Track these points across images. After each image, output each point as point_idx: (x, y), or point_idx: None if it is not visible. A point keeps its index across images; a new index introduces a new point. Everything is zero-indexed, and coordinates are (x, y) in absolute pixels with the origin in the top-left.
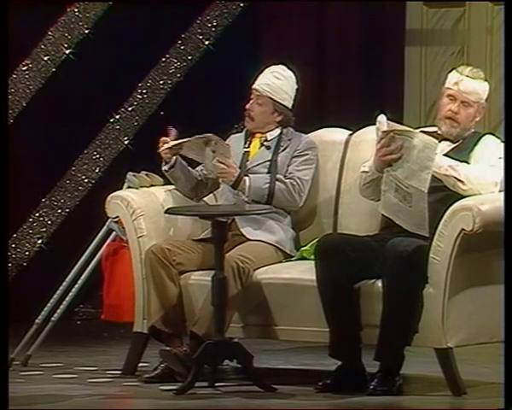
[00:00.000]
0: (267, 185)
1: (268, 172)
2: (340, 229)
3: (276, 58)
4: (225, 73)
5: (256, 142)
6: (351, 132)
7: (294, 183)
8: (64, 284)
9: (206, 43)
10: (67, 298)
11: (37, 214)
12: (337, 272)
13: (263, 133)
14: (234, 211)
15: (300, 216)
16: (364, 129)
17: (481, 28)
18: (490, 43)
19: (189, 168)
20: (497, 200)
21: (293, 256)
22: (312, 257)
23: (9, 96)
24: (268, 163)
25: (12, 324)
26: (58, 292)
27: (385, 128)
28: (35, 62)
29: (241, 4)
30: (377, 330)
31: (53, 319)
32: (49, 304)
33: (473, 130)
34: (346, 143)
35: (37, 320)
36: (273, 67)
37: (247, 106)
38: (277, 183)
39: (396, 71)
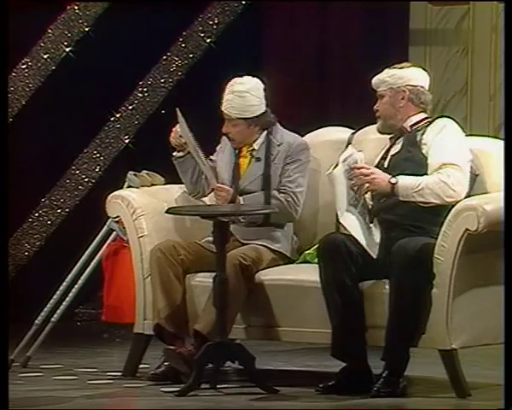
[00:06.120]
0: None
1: (262, 189)
2: (342, 228)
3: (278, 56)
4: (227, 71)
5: (244, 152)
6: (353, 131)
7: (289, 198)
8: (64, 284)
9: (208, 41)
10: (67, 299)
11: (36, 214)
12: (340, 270)
13: (250, 144)
14: (234, 211)
15: (302, 217)
16: (366, 128)
17: (486, 27)
18: (494, 41)
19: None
20: (502, 200)
21: (295, 261)
22: (315, 261)
23: (9, 95)
24: (260, 178)
25: (11, 324)
26: (58, 293)
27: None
28: (34, 60)
29: (243, 2)
30: (384, 331)
31: (53, 319)
32: (48, 305)
33: (415, 117)
34: (349, 142)
35: (36, 321)
36: (233, 85)
37: (224, 129)
38: (272, 200)
39: None
